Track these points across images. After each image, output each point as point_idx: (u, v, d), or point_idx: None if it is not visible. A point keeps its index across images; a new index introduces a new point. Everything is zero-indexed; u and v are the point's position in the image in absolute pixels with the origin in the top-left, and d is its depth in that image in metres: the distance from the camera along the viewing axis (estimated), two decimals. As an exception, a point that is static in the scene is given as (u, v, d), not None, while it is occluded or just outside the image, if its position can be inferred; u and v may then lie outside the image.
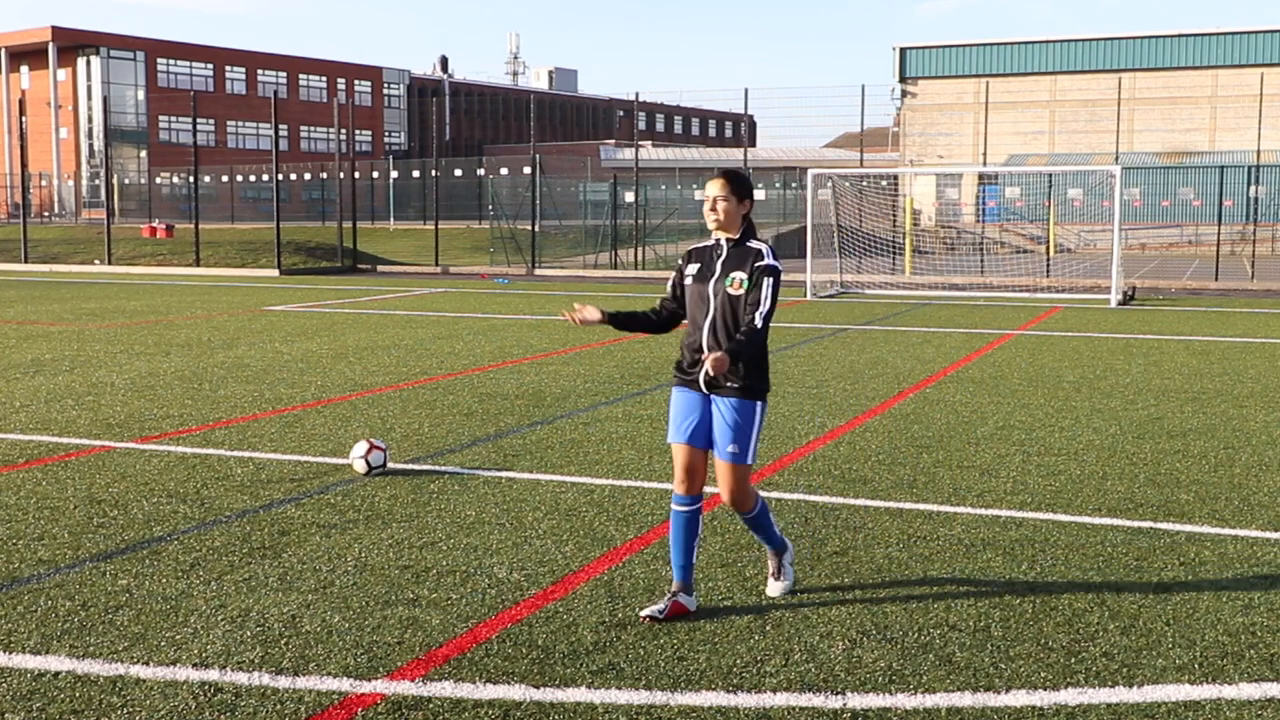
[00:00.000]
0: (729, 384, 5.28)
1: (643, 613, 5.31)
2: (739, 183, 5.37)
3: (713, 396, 5.35)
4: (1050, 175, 39.03)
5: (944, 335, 17.80)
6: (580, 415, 10.51)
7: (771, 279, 5.25)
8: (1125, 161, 46.26)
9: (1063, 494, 7.68)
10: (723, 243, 5.38)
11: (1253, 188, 35.09)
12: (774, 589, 5.63)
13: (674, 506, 5.46)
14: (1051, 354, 15.36)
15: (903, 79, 62.61)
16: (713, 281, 5.33)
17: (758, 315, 5.21)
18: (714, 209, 5.34)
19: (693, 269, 5.43)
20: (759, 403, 5.34)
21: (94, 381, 12.42)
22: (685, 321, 5.55)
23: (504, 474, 8.18)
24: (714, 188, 5.36)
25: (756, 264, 5.28)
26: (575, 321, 5.51)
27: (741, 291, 5.25)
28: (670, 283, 5.60)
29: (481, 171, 54.94)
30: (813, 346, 16.14)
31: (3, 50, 76.86)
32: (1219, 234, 33.17)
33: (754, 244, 5.35)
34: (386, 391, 11.89)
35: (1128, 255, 41.30)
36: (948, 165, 57.34)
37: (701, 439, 5.39)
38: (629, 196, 40.30)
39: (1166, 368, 13.98)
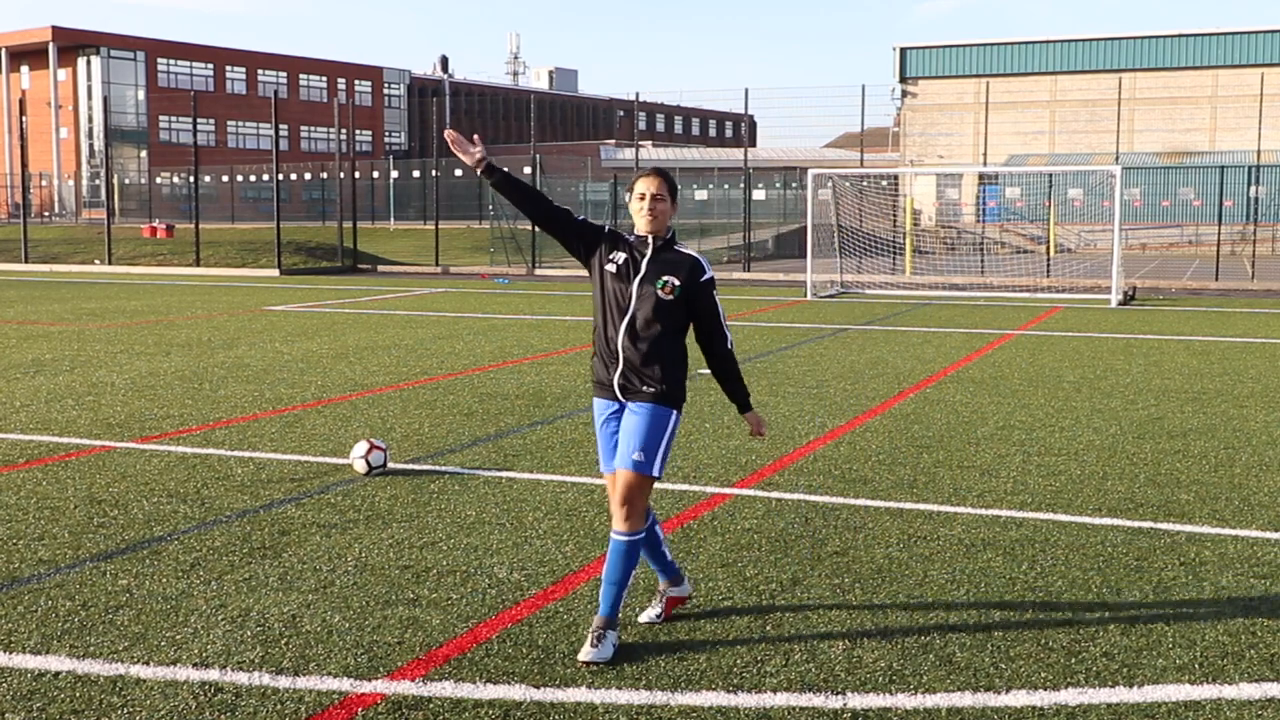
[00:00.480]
0: (645, 388, 4.99)
1: (641, 618, 5.28)
2: (673, 184, 5.12)
3: (626, 403, 5.04)
4: (1050, 175, 39.03)
5: (944, 335, 17.81)
6: (580, 415, 10.51)
7: (716, 293, 5.09)
8: (1125, 161, 46.28)
9: (1063, 494, 7.68)
10: (649, 240, 5.06)
11: (1253, 188, 35.10)
12: (588, 654, 4.83)
13: None
14: (1052, 354, 15.36)
15: (903, 79, 62.60)
16: (637, 280, 5.00)
17: (728, 340, 5.11)
18: (652, 210, 5.02)
19: (618, 258, 5.05)
20: (674, 411, 5.03)
21: (94, 381, 12.42)
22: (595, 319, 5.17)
23: (504, 474, 8.18)
24: (650, 185, 5.04)
25: (700, 278, 5.02)
26: (449, 142, 5.13)
27: (673, 298, 4.96)
28: (584, 220, 5.15)
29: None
30: (813, 346, 16.14)
31: (3, 50, 76.86)
32: (1219, 234, 33.17)
33: (685, 250, 5.08)
34: (386, 391, 11.89)
35: (1128, 255, 41.32)
36: (948, 165, 57.34)
37: None
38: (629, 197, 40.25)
39: (1167, 368, 13.98)
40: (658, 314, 4.96)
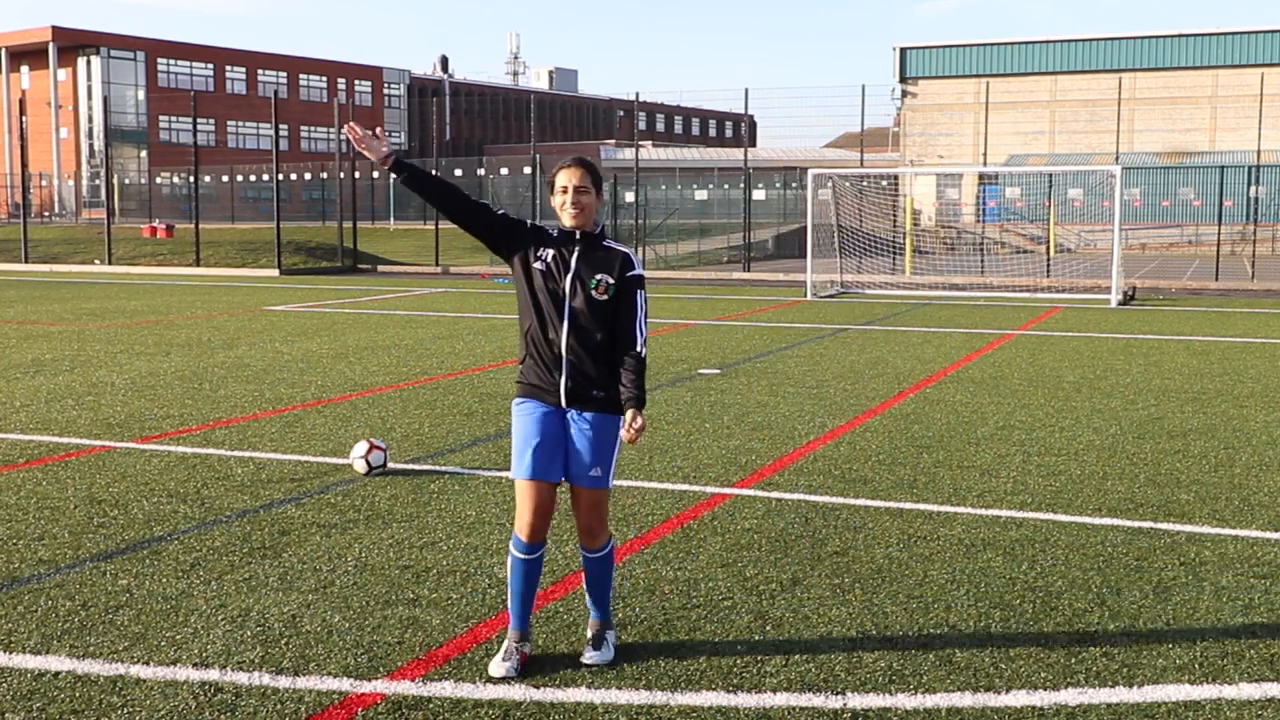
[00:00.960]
0: (596, 394, 4.73)
1: (494, 671, 4.69)
2: (596, 174, 4.79)
3: (571, 412, 4.76)
4: (1050, 175, 39.02)
5: (944, 335, 17.81)
6: (580, 415, 10.50)
7: (643, 293, 4.80)
8: (1125, 161, 46.28)
9: (1063, 494, 7.68)
10: (576, 235, 4.78)
11: (1253, 188, 35.09)
12: (591, 658, 4.80)
13: (517, 554, 4.81)
14: (1052, 354, 15.36)
15: (903, 79, 62.60)
16: (568, 278, 4.72)
17: (640, 342, 4.76)
18: (577, 203, 4.72)
19: (546, 255, 4.76)
20: (619, 416, 4.78)
21: (94, 381, 12.42)
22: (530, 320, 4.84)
23: (504, 474, 8.18)
24: (573, 177, 4.72)
25: (627, 273, 4.76)
26: (352, 140, 4.79)
27: (607, 297, 4.71)
28: (504, 214, 4.85)
29: (482, 171, 54.97)
30: (813, 346, 16.14)
31: (3, 50, 76.84)
32: (1219, 234, 33.17)
33: (615, 245, 4.83)
34: (386, 391, 11.89)
35: (1128, 255, 41.32)
36: (948, 165, 57.33)
37: (560, 471, 4.79)
38: (629, 196, 40.34)
39: (1167, 368, 13.98)
40: (595, 314, 4.71)
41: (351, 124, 4.87)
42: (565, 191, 4.73)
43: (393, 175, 4.86)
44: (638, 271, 4.81)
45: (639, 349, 4.77)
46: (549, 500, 4.78)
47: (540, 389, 4.79)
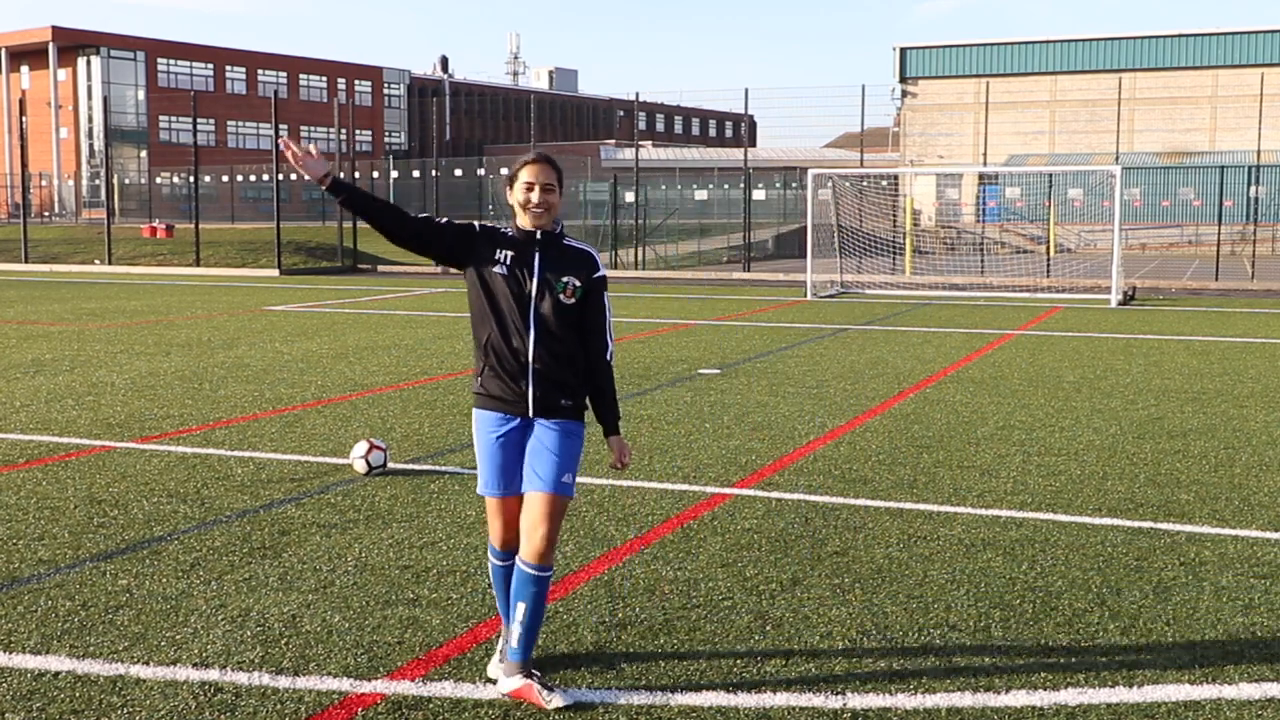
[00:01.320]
0: (564, 402, 4.56)
1: (492, 673, 4.68)
2: (560, 171, 4.58)
3: (538, 420, 4.56)
4: (1050, 175, 39.02)
5: (944, 335, 17.81)
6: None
7: (607, 294, 4.65)
8: (1125, 161, 46.26)
9: (1063, 494, 7.69)
10: (536, 235, 4.56)
11: (1253, 188, 35.08)
12: (557, 700, 4.41)
13: (495, 561, 4.77)
14: (1052, 354, 15.36)
15: (903, 79, 62.60)
16: (533, 281, 4.50)
17: (609, 350, 4.64)
18: (544, 203, 4.50)
19: (505, 258, 4.52)
20: (584, 425, 4.63)
21: (94, 381, 12.42)
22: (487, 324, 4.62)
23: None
24: (539, 174, 4.50)
25: (593, 275, 4.57)
26: (291, 157, 4.48)
27: (573, 300, 4.52)
28: (449, 223, 4.61)
29: (482, 171, 54.99)
30: (813, 346, 16.14)
31: (3, 50, 76.83)
32: (1219, 234, 33.18)
33: (578, 245, 4.62)
34: (386, 391, 11.89)
35: (1128, 255, 41.31)
36: (948, 165, 57.33)
37: (523, 482, 4.62)
38: (629, 196, 40.31)
39: (1167, 368, 13.98)
40: (562, 319, 4.52)
41: (286, 139, 4.54)
42: (531, 189, 4.50)
43: (325, 191, 4.53)
44: (603, 273, 4.65)
45: (609, 357, 4.66)
46: (519, 511, 4.67)
47: (504, 401, 4.58)
